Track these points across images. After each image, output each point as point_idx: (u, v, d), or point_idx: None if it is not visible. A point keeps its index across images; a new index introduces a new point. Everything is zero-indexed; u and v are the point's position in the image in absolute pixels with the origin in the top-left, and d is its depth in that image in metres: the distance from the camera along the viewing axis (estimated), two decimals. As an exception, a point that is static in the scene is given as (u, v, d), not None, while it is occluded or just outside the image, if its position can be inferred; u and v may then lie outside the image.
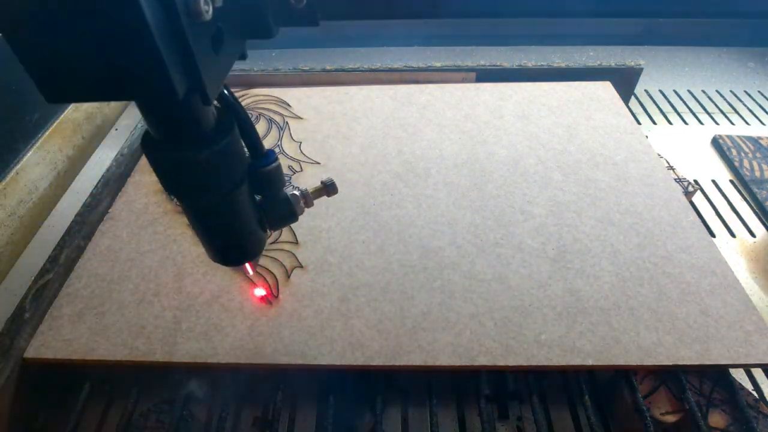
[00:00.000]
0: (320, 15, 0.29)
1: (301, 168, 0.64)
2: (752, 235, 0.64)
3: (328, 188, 0.41)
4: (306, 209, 0.40)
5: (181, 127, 0.27)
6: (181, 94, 0.22)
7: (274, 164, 0.35)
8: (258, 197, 0.36)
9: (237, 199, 0.33)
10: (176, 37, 0.21)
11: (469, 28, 1.08)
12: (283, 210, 0.38)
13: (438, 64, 0.81)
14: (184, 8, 0.21)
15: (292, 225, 0.56)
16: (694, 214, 0.57)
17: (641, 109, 0.87)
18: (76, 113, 0.73)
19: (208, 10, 0.22)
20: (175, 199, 0.60)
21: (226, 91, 0.30)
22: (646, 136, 0.69)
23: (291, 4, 0.28)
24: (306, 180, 0.62)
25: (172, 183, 0.31)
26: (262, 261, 0.52)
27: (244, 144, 0.32)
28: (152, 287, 0.50)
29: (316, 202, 0.41)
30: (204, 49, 0.23)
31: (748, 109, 0.87)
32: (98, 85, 0.21)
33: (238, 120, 0.30)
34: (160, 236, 0.55)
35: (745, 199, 0.69)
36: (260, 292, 0.49)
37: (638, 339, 0.45)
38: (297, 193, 0.38)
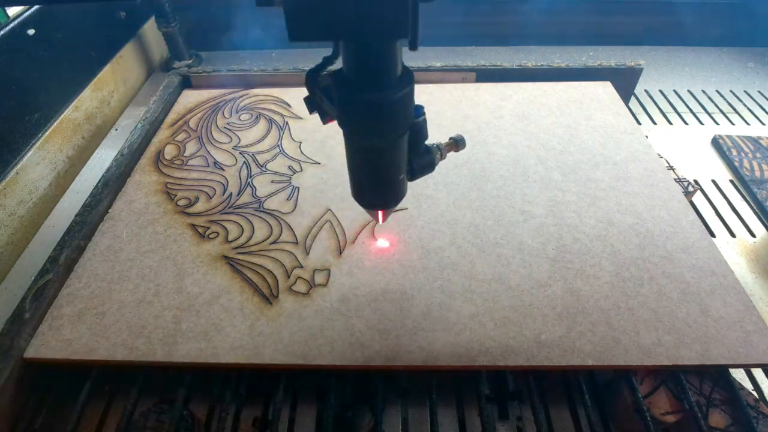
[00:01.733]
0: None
1: (301, 168, 0.64)
2: (752, 235, 0.64)
3: (458, 143, 0.47)
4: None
5: (385, 69, 0.32)
6: (407, 35, 0.27)
7: (423, 117, 0.39)
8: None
9: (403, 143, 0.38)
10: None
11: (469, 28, 1.08)
12: (426, 159, 0.43)
13: (438, 64, 0.81)
14: None
15: (292, 225, 0.56)
16: (694, 214, 0.57)
17: (641, 109, 0.87)
18: (76, 113, 0.73)
19: None
20: (175, 199, 0.60)
21: None
22: (646, 136, 0.69)
23: None
24: (306, 180, 0.62)
25: (361, 122, 0.35)
26: (262, 261, 0.52)
27: None
28: (152, 287, 0.50)
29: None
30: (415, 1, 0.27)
31: (748, 109, 0.87)
32: (339, 26, 0.26)
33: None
34: (160, 236, 0.55)
35: (745, 199, 0.69)
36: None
37: (638, 339, 0.45)
38: (435, 145, 0.44)
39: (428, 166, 0.43)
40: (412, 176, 0.42)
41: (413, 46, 0.30)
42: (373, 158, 0.38)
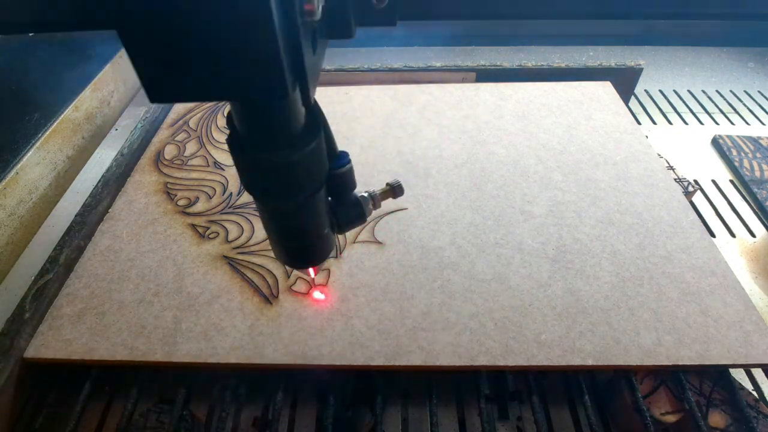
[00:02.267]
0: (399, 15, 0.29)
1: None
2: (752, 235, 0.64)
3: (395, 190, 0.42)
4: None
5: (277, 127, 0.27)
6: (291, 92, 0.22)
7: (347, 166, 0.35)
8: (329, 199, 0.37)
9: (317, 202, 0.33)
10: (291, 35, 0.21)
11: (469, 28, 1.08)
12: (354, 212, 0.38)
13: (438, 64, 0.81)
14: (300, 6, 0.21)
15: (292, 225, 0.56)
16: (694, 214, 0.57)
17: (641, 109, 0.87)
18: (76, 113, 0.73)
19: (319, 9, 0.22)
20: (175, 199, 0.60)
21: None
22: (646, 136, 0.69)
23: (372, 4, 0.28)
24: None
25: (260, 184, 0.31)
26: (262, 261, 0.52)
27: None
28: (152, 287, 0.50)
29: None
30: (306, 48, 0.23)
31: (748, 109, 0.87)
32: (206, 85, 0.21)
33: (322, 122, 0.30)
34: (160, 236, 0.55)
35: (745, 199, 0.69)
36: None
37: (638, 339, 0.45)
38: (366, 194, 0.39)
39: (358, 218, 0.38)
40: (340, 230, 0.39)
41: (306, 103, 0.26)
42: (285, 220, 0.34)
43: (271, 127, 0.27)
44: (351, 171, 0.36)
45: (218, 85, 0.21)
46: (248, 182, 0.31)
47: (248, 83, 0.21)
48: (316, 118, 0.29)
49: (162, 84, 0.21)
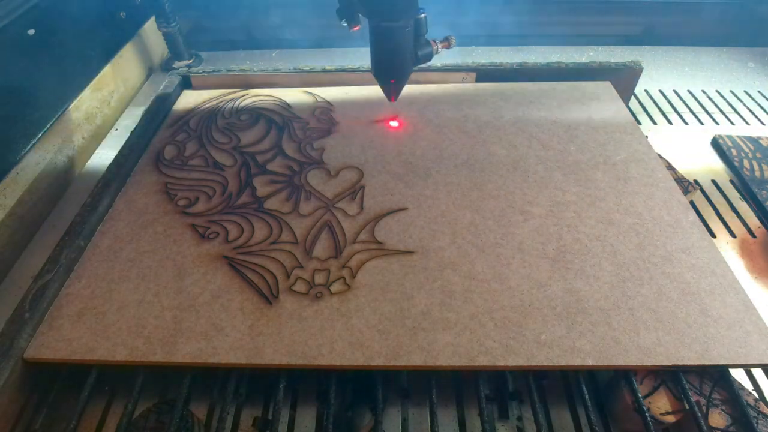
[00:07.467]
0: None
1: (300, 168, 0.64)
2: (752, 235, 0.64)
3: (449, 40, 0.63)
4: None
5: None
6: None
7: (424, 13, 0.57)
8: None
9: (406, 31, 0.56)
10: None
11: (469, 28, 1.08)
12: (426, 49, 0.60)
13: (438, 64, 0.81)
14: None
15: (291, 225, 0.56)
16: (694, 214, 0.57)
17: (641, 109, 0.87)
18: (76, 113, 0.73)
19: None
20: (175, 199, 0.60)
21: None
22: (646, 136, 0.69)
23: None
24: (306, 180, 0.62)
25: (378, 6, 0.53)
26: (262, 261, 0.52)
27: None
28: (152, 287, 0.50)
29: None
30: None
31: (748, 109, 0.87)
32: None
33: None
34: (160, 236, 0.55)
35: (745, 199, 0.69)
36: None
37: (638, 339, 0.45)
38: (432, 39, 0.61)
39: (428, 56, 0.61)
40: (416, 62, 0.60)
41: None
42: (388, 38, 0.56)
43: None
44: (426, 19, 0.57)
45: None
46: (370, 8, 0.53)
47: None
48: None
49: None
